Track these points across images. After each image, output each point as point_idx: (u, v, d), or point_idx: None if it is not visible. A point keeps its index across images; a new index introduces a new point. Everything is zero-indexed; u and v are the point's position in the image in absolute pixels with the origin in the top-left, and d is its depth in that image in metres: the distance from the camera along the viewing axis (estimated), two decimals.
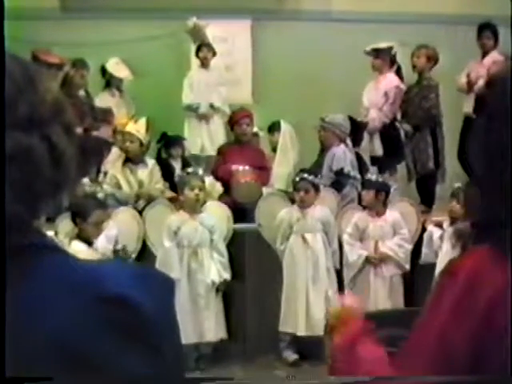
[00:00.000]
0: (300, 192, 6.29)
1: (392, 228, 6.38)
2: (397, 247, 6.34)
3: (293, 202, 6.47)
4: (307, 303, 6.21)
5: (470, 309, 1.16)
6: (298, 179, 6.35)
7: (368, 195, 6.39)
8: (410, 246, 6.39)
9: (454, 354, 1.17)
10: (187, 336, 5.54)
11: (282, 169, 7.25)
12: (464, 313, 1.16)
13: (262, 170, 7.29)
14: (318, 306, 6.11)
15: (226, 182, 7.05)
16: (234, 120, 7.46)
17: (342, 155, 6.91)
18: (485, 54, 7.33)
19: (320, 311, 5.97)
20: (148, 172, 6.86)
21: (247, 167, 7.12)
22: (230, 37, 8.22)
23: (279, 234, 6.34)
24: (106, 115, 7.21)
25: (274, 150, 7.41)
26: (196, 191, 6.17)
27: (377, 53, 7.22)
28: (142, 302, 0.97)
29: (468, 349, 1.16)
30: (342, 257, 6.41)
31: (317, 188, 6.34)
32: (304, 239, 6.27)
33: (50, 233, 5.11)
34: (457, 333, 1.17)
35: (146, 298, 0.98)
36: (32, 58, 6.54)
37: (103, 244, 5.68)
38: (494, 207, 1.20)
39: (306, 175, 6.31)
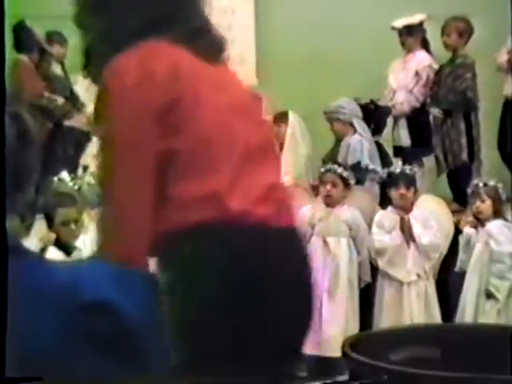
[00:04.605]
0: (326, 185, 5.70)
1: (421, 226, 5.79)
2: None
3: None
4: (320, 318, 5.51)
5: None
6: (323, 170, 5.79)
7: (409, 192, 5.73)
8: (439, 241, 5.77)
9: None
10: None
11: (291, 165, 6.61)
12: None
13: None
14: (332, 322, 5.54)
15: None
16: None
17: (357, 146, 6.37)
18: None
19: (335, 328, 5.46)
20: None
21: None
22: (230, 8, 7.76)
23: None
24: (79, 101, 6.68)
25: (281, 143, 6.77)
26: None
27: (408, 29, 6.67)
28: (121, 306, 0.95)
29: None
30: None
31: (346, 183, 5.74)
32: (325, 243, 5.63)
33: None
34: None
35: (127, 301, 0.96)
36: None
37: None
38: None
39: (334, 166, 5.77)
